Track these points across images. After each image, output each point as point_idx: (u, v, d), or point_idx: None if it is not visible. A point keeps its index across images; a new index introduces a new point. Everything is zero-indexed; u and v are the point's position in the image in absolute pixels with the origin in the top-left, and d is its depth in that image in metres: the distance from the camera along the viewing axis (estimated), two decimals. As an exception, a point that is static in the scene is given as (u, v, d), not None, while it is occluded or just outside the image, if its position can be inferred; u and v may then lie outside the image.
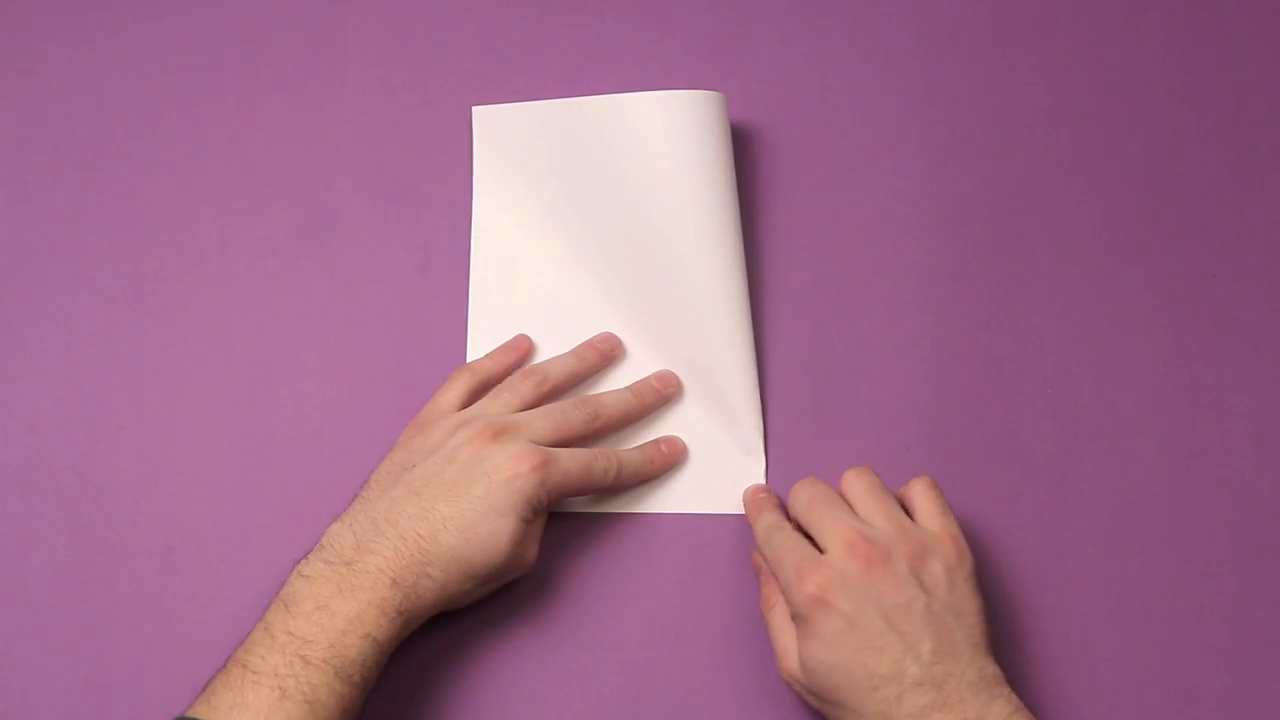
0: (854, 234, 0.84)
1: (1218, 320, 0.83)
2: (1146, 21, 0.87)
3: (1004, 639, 0.77)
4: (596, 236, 0.81)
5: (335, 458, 0.80)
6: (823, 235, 0.84)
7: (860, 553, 0.70)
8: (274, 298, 0.83)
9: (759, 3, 0.87)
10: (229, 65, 0.86)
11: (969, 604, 0.71)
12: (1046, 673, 0.77)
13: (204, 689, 0.68)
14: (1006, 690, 0.69)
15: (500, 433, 0.74)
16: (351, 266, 0.83)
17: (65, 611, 0.78)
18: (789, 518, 0.76)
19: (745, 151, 0.85)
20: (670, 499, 0.80)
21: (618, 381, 0.81)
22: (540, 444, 0.74)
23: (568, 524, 0.79)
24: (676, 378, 0.82)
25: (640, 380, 0.81)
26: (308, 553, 0.72)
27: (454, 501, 0.72)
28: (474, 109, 0.83)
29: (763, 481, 0.80)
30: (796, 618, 0.71)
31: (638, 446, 0.80)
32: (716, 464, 0.81)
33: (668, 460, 0.80)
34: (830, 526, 0.72)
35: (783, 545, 0.73)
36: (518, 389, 0.78)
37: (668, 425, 0.81)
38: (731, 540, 0.79)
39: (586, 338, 0.82)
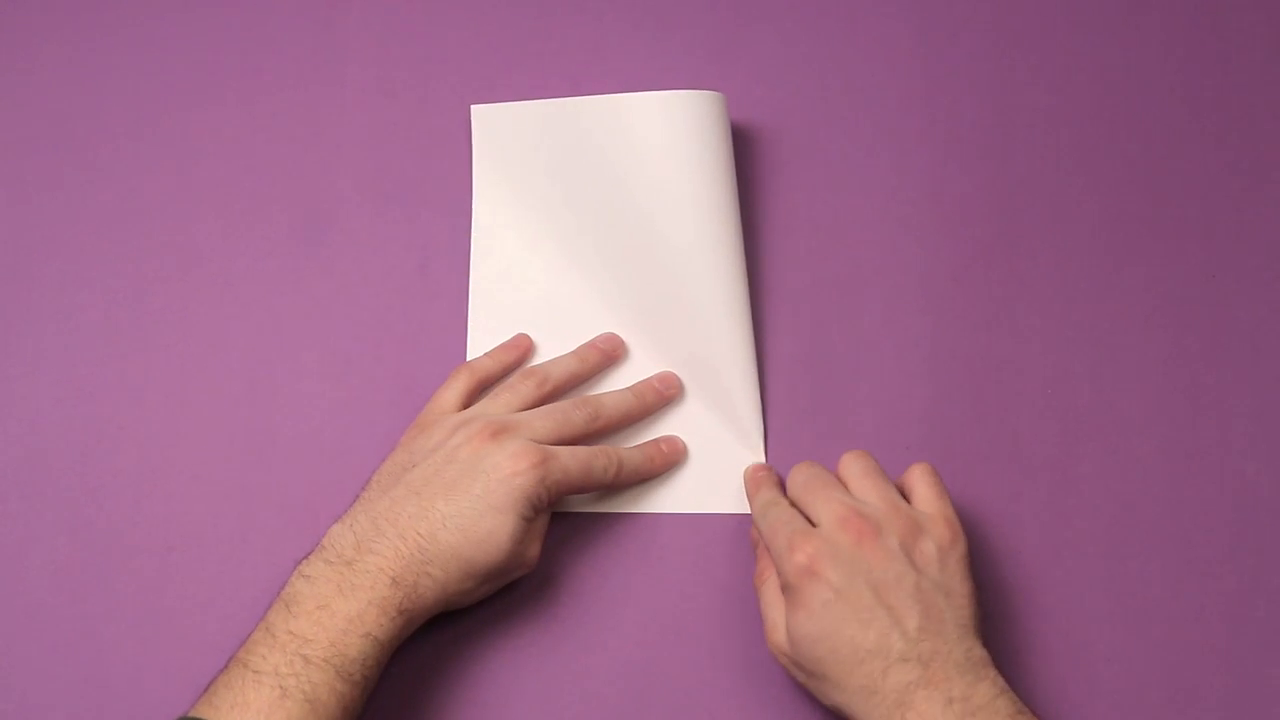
0: (854, 234, 0.84)
1: (1218, 320, 0.83)
2: (1146, 21, 0.87)
3: (1003, 638, 0.78)
4: (596, 236, 0.81)
5: (335, 458, 0.80)
6: (823, 235, 0.84)
7: (852, 526, 0.70)
8: (274, 298, 0.83)
9: (759, 3, 0.87)
10: (229, 65, 0.86)
11: (960, 585, 0.71)
12: (1046, 673, 0.77)
13: (205, 689, 0.68)
14: (993, 673, 0.69)
15: (500, 431, 0.74)
16: (351, 266, 0.83)
17: (65, 611, 0.78)
18: (787, 497, 0.76)
19: (745, 151, 0.85)
20: (670, 499, 0.80)
21: (618, 382, 0.81)
22: (540, 443, 0.74)
23: (568, 524, 0.79)
24: (678, 379, 0.82)
25: (641, 381, 0.81)
26: (309, 553, 0.72)
27: (453, 500, 0.72)
28: (473, 108, 0.83)
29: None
30: (786, 588, 0.71)
31: (638, 445, 0.80)
32: (717, 464, 0.81)
33: (668, 459, 0.80)
34: (824, 504, 0.72)
35: (777, 519, 0.73)
36: (518, 389, 0.78)
37: (668, 425, 0.81)
38: (731, 540, 0.80)
39: (587, 337, 0.82)
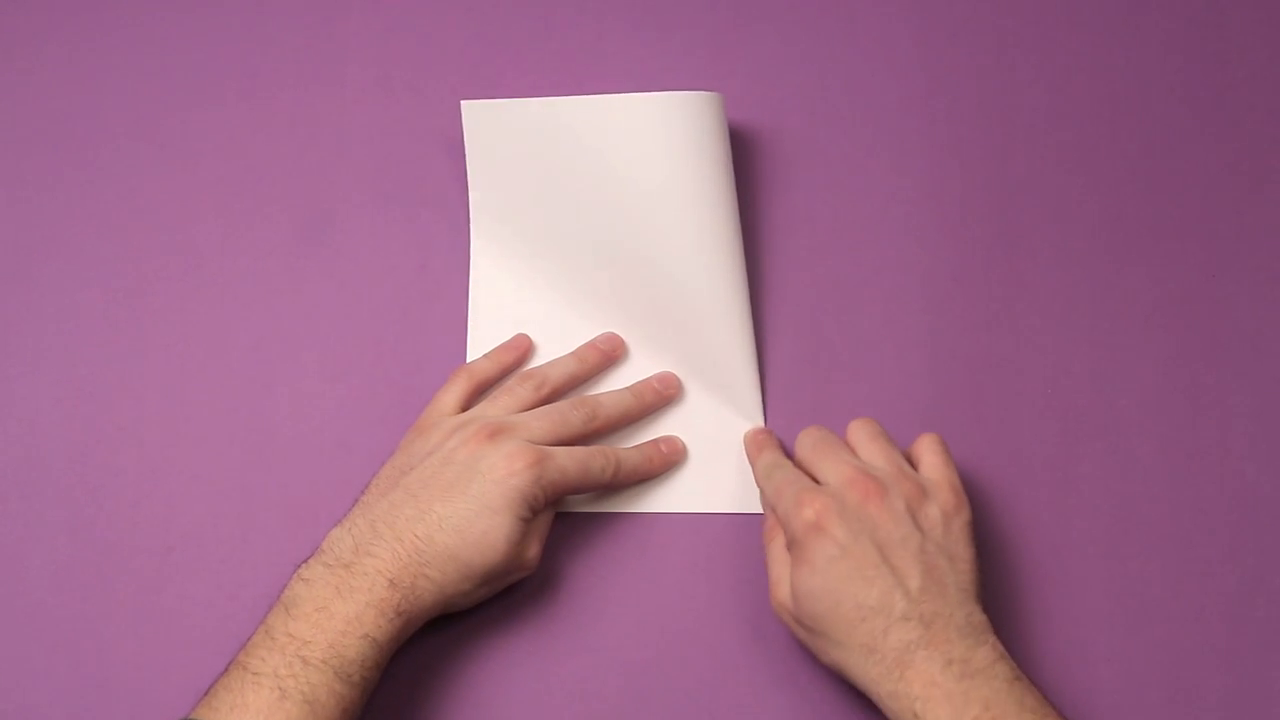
0: (854, 234, 0.84)
1: (1218, 320, 0.83)
2: (1146, 21, 0.87)
3: (1003, 638, 0.77)
4: (595, 237, 0.81)
5: (335, 458, 0.80)
6: (823, 235, 0.84)
7: (859, 486, 0.71)
8: (274, 298, 0.83)
9: (759, 3, 0.87)
10: (229, 65, 0.86)
11: (962, 551, 0.71)
12: (1046, 673, 0.77)
13: (205, 692, 0.68)
14: (993, 638, 0.69)
15: (496, 433, 0.74)
16: (351, 266, 0.83)
17: (65, 611, 0.78)
18: (791, 459, 0.77)
19: (745, 152, 0.85)
20: (670, 499, 0.80)
21: (618, 382, 0.81)
22: (537, 443, 0.74)
23: (568, 524, 0.79)
24: (677, 379, 0.82)
25: (641, 381, 0.81)
26: (308, 557, 0.72)
27: (450, 501, 0.72)
28: (463, 103, 0.82)
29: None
30: (792, 544, 0.72)
31: (637, 446, 0.80)
32: (716, 464, 0.81)
33: (667, 460, 0.80)
34: (832, 464, 0.73)
35: (783, 479, 0.74)
36: (516, 392, 0.78)
37: (668, 425, 0.81)
38: (731, 540, 0.79)
39: (586, 337, 0.82)
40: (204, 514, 0.79)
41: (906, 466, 0.74)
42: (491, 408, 0.77)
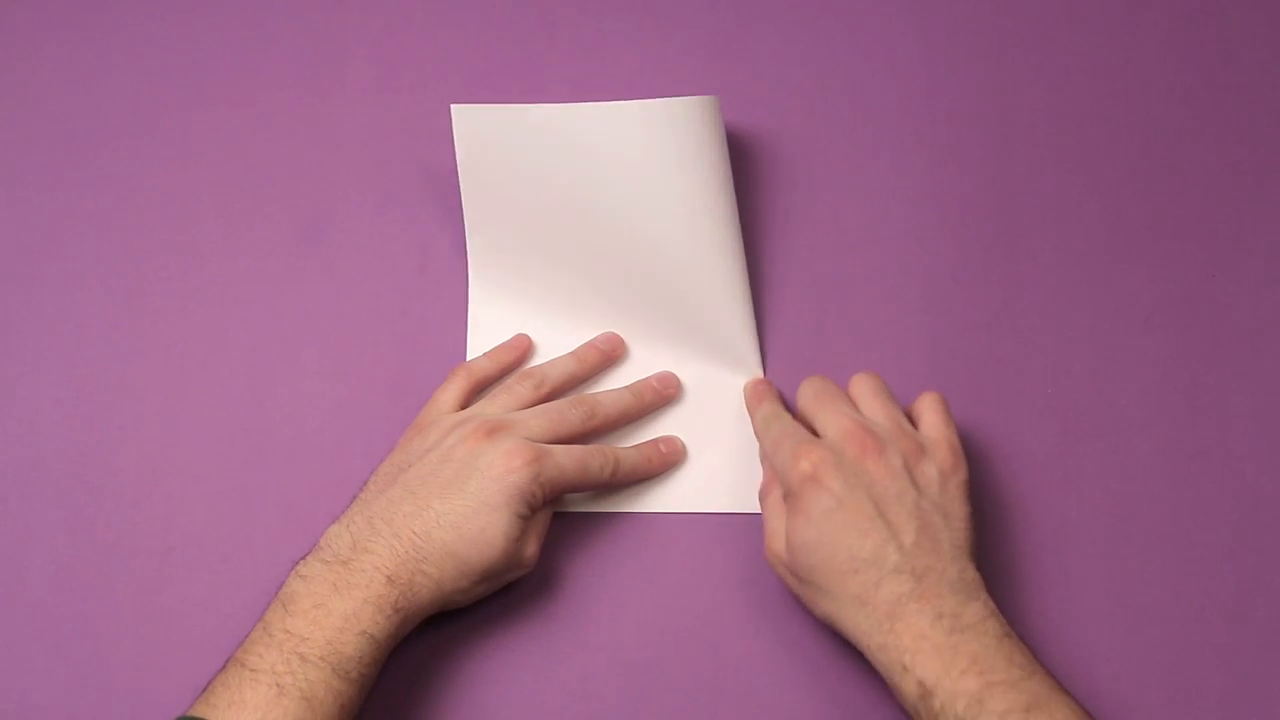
0: (854, 234, 0.84)
1: (1218, 320, 0.83)
2: (1146, 21, 0.87)
3: (1004, 639, 0.77)
4: (593, 241, 0.81)
5: (335, 458, 0.80)
6: (823, 235, 0.84)
7: (857, 439, 0.71)
8: (274, 298, 0.83)
9: (759, 3, 0.87)
10: (229, 65, 0.86)
11: (958, 509, 0.72)
12: (1046, 673, 0.77)
13: (203, 690, 0.68)
14: (985, 595, 0.69)
15: (495, 430, 0.74)
16: (351, 266, 0.83)
17: (65, 611, 0.78)
18: (789, 410, 0.78)
19: (745, 152, 0.85)
20: (670, 499, 0.80)
21: (618, 382, 0.81)
22: (536, 441, 0.74)
23: (568, 524, 0.79)
24: (677, 379, 0.82)
25: (640, 380, 0.81)
26: (306, 554, 0.72)
27: (448, 498, 0.72)
28: (453, 107, 0.80)
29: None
30: (788, 496, 0.72)
31: (636, 445, 0.80)
32: (716, 464, 0.81)
33: (666, 460, 0.80)
34: (831, 416, 0.73)
35: (781, 430, 0.74)
36: (515, 390, 0.78)
37: (668, 425, 0.81)
38: (731, 540, 0.79)
39: (586, 338, 0.82)
40: (204, 514, 0.79)
41: (906, 424, 0.74)
42: (490, 406, 0.77)
